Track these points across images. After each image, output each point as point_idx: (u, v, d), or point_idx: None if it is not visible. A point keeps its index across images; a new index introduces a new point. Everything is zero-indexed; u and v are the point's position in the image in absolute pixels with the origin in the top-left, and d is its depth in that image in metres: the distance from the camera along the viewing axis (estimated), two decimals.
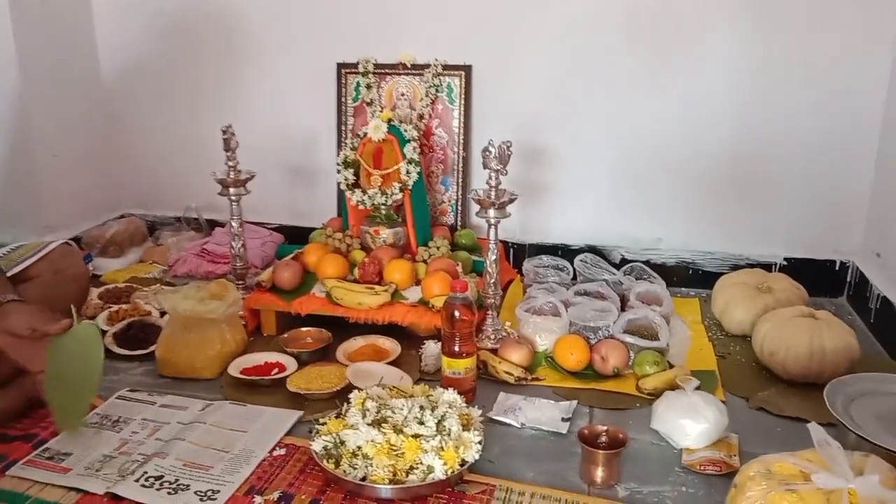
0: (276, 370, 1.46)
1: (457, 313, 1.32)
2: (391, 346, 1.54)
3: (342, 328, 1.59)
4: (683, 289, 1.89)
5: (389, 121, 1.76)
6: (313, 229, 1.94)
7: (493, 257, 1.52)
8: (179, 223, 2.22)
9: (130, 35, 2.18)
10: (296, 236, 2.08)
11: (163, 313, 1.67)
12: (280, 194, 2.14)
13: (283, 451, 1.22)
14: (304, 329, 1.60)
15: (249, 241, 1.86)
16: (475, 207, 1.53)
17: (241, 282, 1.74)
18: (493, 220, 1.51)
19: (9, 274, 1.33)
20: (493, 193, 1.49)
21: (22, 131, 1.97)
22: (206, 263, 1.95)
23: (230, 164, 1.69)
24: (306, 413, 1.32)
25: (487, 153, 1.49)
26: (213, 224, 2.19)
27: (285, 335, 1.57)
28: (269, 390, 1.41)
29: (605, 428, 1.15)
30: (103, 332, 1.59)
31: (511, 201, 1.50)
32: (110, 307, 1.72)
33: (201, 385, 1.44)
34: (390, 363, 1.47)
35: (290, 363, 1.48)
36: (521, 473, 1.16)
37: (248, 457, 1.20)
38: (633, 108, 1.86)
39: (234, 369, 1.45)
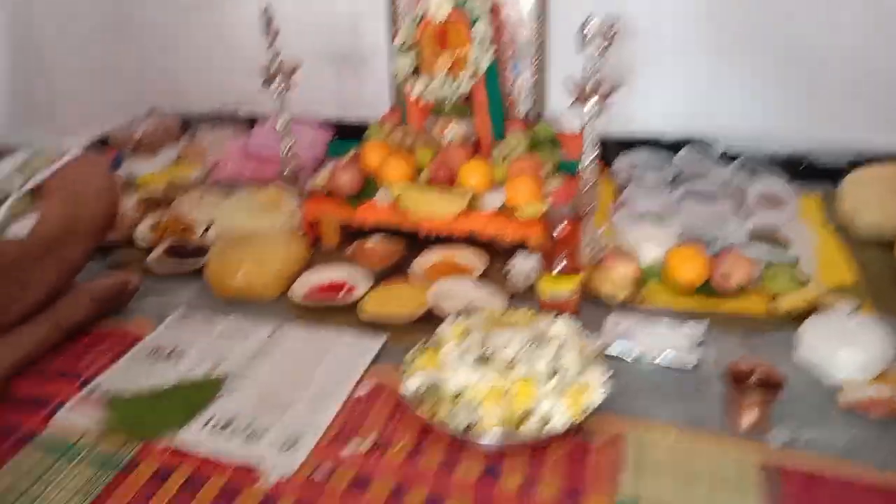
0: (344, 290, 1.28)
1: (559, 227, 1.12)
2: (472, 260, 1.34)
3: (412, 239, 1.39)
4: (799, 185, 1.58)
5: None
6: (364, 123, 1.71)
7: (592, 156, 1.30)
8: (215, 120, 1.99)
9: None
10: (345, 132, 1.87)
11: (209, 226, 1.48)
12: (324, 85, 1.89)
13: (369, 386, 1.05)
14: (370, 241, 1.40)
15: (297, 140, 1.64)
16: (554, 98, 1.30)
17: (293, 187, 1.54)
18: (590, 115, 1.27)
19: (25, 189, 1.14)
20: (592, 82, 1.26)
21: (33, 26, 1.73)
22: (251, 166, 1.74)
23: (272, 51, 1.45)
24: (388, 341, 1.15)
25: (586, 34, 1.24)
26: (251, 122, 1.97)
27: (350, 248, 1.39)
28: (338, 313, 1.23)
29: (755, 364, 0.96)
30: (147, 251, 1.42)
31: (613, 90, 1.27)
32: (149, 216, 1.54)
33: (262, 308, 1.27)
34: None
35: (360, 281, 1.29)
36: (650, 414, 0.98)
37: (329, 395, 1.03)
38: None
39: (299, 290, 1.27)
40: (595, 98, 1.25)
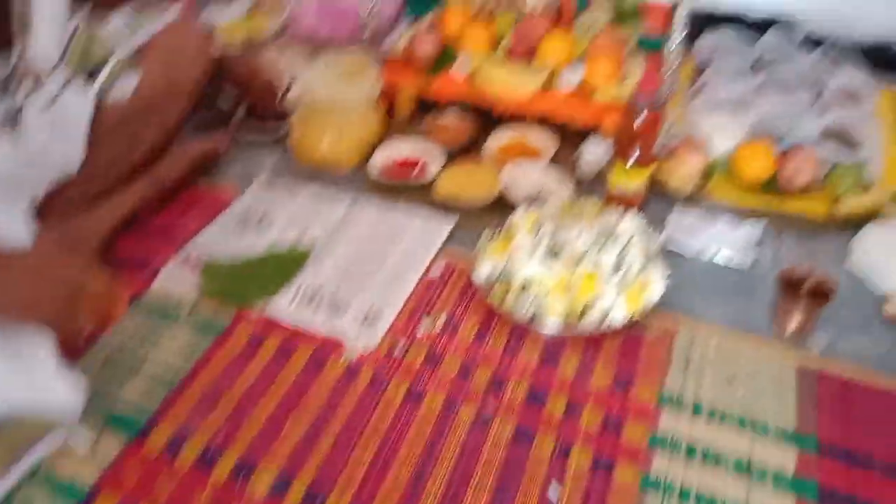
0: (418, 168, 1.33)
1: (640, 117, 1.11)
2: (544, 142, 1.37)
3: (486, 116, 1.42)
4: (881, 77, 1.50)
5: None
6: None
7: (679, 38, 1.26)
8: None
9: None
10: None
11: (288, 88, 1.52)
12: None
13: (441, 267, 1.14)
14: (444, 116, 1.44)
15: None
16: None
17: (373, 50, 1.54)
18: None
19: (128, 48, 1.20)
20: None
21: None
22: (328, 22, 1.72)
23: None
24: (458, 223, 1.22)
25: None
26: None
27: (424, 123, 1.43)
28: (412, 190, 1.29)
29: (808, 271, 1.01)
30: (229, 115, 1.48)
31: None
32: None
33: (340, 179, 1.34)
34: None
35: (433, 158, 1.34)
36: (702, 312, 1.05)
37: (404, 274, 1.13)
38: None
39: (376, 164, 1.33)
40: None
